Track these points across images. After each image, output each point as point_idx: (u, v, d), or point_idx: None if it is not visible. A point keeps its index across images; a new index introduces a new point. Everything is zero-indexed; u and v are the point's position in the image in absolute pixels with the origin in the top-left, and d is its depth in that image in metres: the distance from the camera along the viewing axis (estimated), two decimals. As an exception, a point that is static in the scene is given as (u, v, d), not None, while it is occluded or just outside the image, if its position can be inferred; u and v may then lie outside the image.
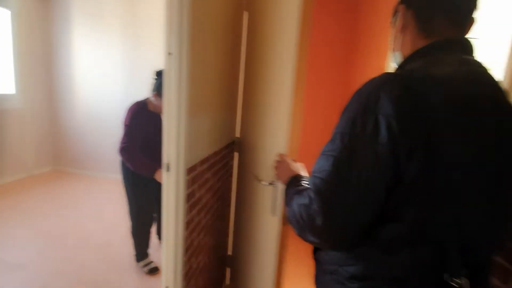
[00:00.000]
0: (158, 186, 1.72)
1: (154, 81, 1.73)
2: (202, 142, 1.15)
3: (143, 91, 3.32)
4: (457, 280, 0.49)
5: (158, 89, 1.68)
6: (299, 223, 0.57)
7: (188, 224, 1.07)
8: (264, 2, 1.45)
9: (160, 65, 3.44)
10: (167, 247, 0.99)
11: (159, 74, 1.71)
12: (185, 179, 0.97)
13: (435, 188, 0.48)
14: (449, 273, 0.50)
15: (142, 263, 2.01)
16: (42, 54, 3.80)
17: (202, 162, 1.16)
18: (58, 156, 4.12)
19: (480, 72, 0.54)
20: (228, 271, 1.93)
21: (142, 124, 1.73)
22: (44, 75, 3.88)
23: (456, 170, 0.48)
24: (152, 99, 1.74)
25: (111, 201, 3.15)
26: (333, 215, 0.51)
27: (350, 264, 0.56)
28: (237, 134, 1.73)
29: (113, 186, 3.51)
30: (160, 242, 2.27)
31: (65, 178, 3.82)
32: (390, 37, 0.67)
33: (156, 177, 1.71)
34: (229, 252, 1.90)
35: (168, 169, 0.92)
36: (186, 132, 0.92)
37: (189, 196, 1.04)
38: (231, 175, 1.74)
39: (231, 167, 1.72)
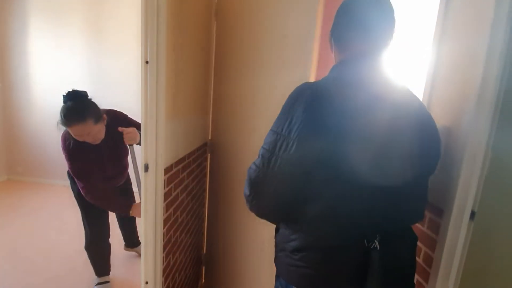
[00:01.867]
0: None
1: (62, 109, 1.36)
2: (177, 144, 1.22)
3: (109, 96, 3.25)
4: (373, 244, 0.65)
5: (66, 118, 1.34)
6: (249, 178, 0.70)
7: (165, 222, 1.13)
8: (231, 12, 1.57)
9: (128, 68, 3.36)
10: (146, 244, 1.04)
11: (69, 97, 1.37)
12: (162, 179, 1.03)
13: (342, 177, 0.62)
14: (366, 239, 0.65)
15: (97, 280, 1.85)
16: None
17: (178, 162, 1.23)
18: (13, 164, 3.82)
19: (377, 75, 0.69)
20: (203, 269, 1.99)
21: (84, 157, 1.51)
22: (-5, 77, 3.58)
23: (358, 160, 0.60)
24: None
25: (71, 209, 3.01)
26: (261, 196, 0.68)
27: (291, 240, 0.70)
28: (209, 136, 1.80)
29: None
30: (128, 250, 2.22)
31: (22, 188, 3.56)
32: None
33: (131, 213, 1.57)
34: (205, 251, 1.96)
35: (146, 169, 0.98)
36: (163, 135, 0.99)
37: (166, 195, 1.11)
38: (205, 175, 1.80)
39: (205, 167, 1.79)
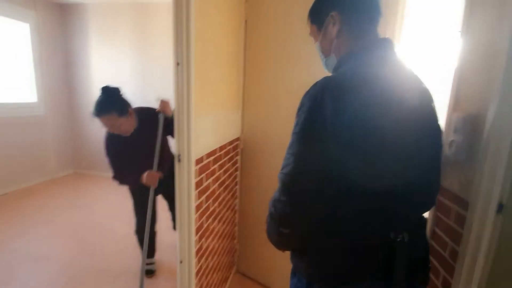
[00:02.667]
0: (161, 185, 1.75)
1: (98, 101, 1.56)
2: (208, 137, 1.32)
3: (151, 94, 3.68)
4: (400, 236, 0.64)
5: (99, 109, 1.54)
6: (272, 216, 0.67)
7: (197, 208, 1.25)
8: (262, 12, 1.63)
9: (167, 72, 3.70)
10: (181, 228, 1.17)
11: (102, 91, 1.58)
12: (193, 169, 1.14)
13: (372, 169, 0.60)
14: (393, 231, 0.64)
15: (144, 260, 1.97)
16: (61, 63, 4.09)
17: (209, 154, 1.33)
18: (78, 159, 4.40)
19: (400, 68, 0.67)
20: (236, 258, 2.10)
21: (117, 149, 1.71)
22: (64, 83, 4.18)
23: (384, 152, 0.60)
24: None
25: (126, 199, 3.38)
26: (297, 202, 0.62)
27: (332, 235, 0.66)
28: (242, 131, 1.89)
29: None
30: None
31: (86, 180, 4.09)
32: (317, 44, 0.79)
33: (145, 181, 1.68)
34: (237, 241, 2.07)
35: (179, 160, 1.10)
36: (193, 129, 1.10)
37: (197, 184, 1.22)
38: (237, 169, 1.90)
39: (237, 161, 1.89)
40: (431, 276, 0.95)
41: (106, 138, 1.72)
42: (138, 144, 1.73)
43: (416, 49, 1.37)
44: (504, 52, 0.66)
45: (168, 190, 1.77)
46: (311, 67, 1.70)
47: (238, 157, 1.92)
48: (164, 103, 1.66)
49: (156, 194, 1.85)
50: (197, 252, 1.29)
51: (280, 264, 1.89)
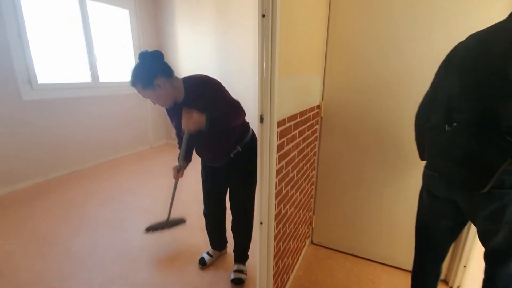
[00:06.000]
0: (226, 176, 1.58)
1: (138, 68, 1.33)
2: (290, 101, 1.26)
3: (234, 71, 3.93)
4: None
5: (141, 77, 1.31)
6: None
7: (277, 173, 1.23)
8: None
9: (243, 39, 3.79)
10: (261, 190, 1.17)
11: (138, 57, 1.34)
12: (275, 130, 1.10)
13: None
14: None
15: (208, 249, 1.93)
16: (154, 46, 4.58)
17: (290, 118, 1.28)
18: (170, 131, 4.99)
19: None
20: (311, 230, 2.06)
21: (173, 122, 1.53)
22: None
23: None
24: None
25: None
26: None
27: None
28: (322, 98, 1.77)
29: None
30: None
31: (176, 150, 4.63)
32: None
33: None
34: (313, 213, 2.02)
35: (262, 120, 1.07)
36: (277, 89, 1.05)
37: (278, 148, 1.19)
38: (315, 139, 1.81)
39: (316, 130, 1.79)
40: None
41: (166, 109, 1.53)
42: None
43: None
44: None
45: (236, 183, 1.59)
46: (406, 47, 1.44)
47: (318, 126, 1.81)
48: (186, 115, 1.33)
49: (216, 182, 1.66)
50: (276, 216, 1.29)
51: (363, 231, 1.90)
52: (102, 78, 3.88)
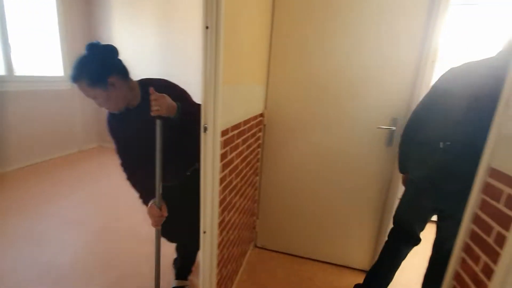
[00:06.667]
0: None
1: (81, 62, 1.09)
2: (234, 110, 1.28)
3: (176, 70, 3.74)
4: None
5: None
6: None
7: (221, 181, 1.24)
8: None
9: (188, 45, 3.69)
10: (205, 199, 1.16)
11: (92, 47, 1.11)
12: (219, 140, 1.11)
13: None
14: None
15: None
16: (85, 36, 4.12)
17: (233, 127, 1.30)
18: (103, 134, 4.55)
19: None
20: (255, 234, 2.12)
21: (120, 132, 1.26)
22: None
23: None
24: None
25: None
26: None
27: None
28: (265, 107, 1.84)
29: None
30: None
31: (109, 153, 4.23)
32: None
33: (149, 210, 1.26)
34: (256, 217, 2.08)
35: (205, 130, 1.07)
36: (220, 98, 1.06)
37: (222, 156, 1.20)
38: (259, 146, 1.87)
39: (259, 138, 1.86)
40: (468, 261, 0.90)
41: (107, 121, 1.26)
42: (143, 133, 1.20)
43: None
44: None
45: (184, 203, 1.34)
46: (338, 50, 1.61)
47: (261, 134, 1.88)
48: (157, 98, 1.08)
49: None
50: (220, 223, 1.29)
51: (303, 234, 2.03)
52: (19, 71, 3.35)
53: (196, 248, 1.30)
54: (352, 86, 1.66)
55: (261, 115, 1.82)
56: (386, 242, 1.56)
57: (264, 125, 1.87)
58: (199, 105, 1.09)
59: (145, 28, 3.88)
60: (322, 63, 1.67)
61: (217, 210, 1.21)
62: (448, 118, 1.23)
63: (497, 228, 0.78)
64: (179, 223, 1.41)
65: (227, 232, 1.43)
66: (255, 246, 2.16)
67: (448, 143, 1.21)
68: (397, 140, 1.60)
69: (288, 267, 1.95)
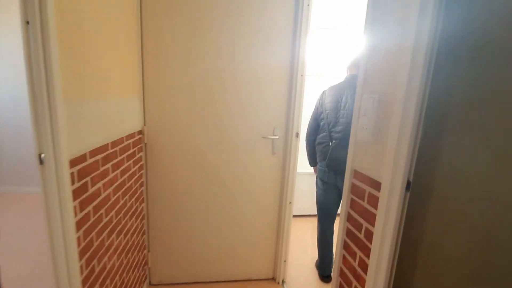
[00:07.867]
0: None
1: None
2: (92, 131, 1.02)
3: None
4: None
5: None
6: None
7: (81, 223, 0.95)
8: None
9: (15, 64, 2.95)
10: (55, 255, 0.85)
11: None
12: (67, 172, 0.84)
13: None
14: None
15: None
16: None
17: (95, 152, 1.03)
18: None
19: None
20: (148, 270, 1.82)
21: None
22: None
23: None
24: None
25: (32, 219, 2.58)
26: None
27: None
28: (144, 123, 1.60)
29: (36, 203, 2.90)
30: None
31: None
32: None
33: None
34: (148, 251, 1.79)
35: (41, 162, 0.78)
36: (62, 118, 0.80)
37: (77, 191, 0.92)
38: (141, 168, 1.61)
39: (141, 158, 1.60)
40: (348, 257, 0.95)
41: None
42: None
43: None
44: (409, 50, 0.65)
45: None
46: (215, 58, 1.56)
47: (142, 154, 1.63)
48: None
49: None
50: (86, 279, 0.99)
51: (202, 258, 1.87)
52: None
53: None
54: (237, 93, 1.63)
55: (140, 132, 1.57)
56: (318, 230, 1.97)
57: (145, 144, 1.63)
58: None
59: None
60: (201, 78, 1.58)
61: (77, 264, 0.91)
62: (329, 124, 1.76)
63: (365, 224, 0.85)
64: None
65: (101, 285, 1.13)
66: (150, 284, 1.84)
67: (334, 141, 1.73)
68: (278, 149, 1.68)
69: (190, 298, 1.74)
